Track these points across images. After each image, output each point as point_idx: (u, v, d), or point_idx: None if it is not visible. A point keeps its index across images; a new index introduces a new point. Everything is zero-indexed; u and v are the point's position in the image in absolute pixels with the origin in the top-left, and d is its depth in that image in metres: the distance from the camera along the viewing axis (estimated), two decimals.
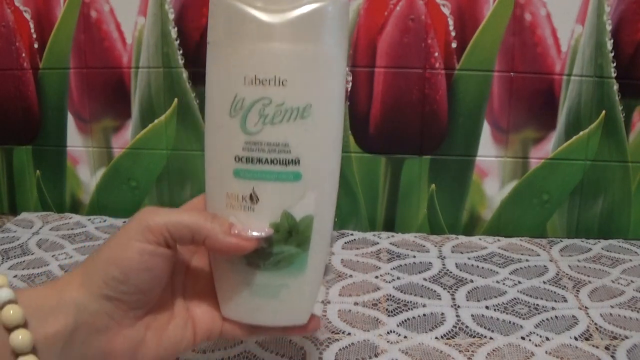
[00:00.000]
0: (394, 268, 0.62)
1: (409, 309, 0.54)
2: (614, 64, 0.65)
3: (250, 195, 0.35)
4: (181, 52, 0.70)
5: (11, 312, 0.30)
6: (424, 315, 0.53)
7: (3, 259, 0.63)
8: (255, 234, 0.34)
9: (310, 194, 0.35)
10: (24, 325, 0.31)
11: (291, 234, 0.36)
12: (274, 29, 0.33)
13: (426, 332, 0.51)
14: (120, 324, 0.33)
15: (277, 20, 0.33)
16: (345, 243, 0.69)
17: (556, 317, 0.53)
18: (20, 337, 0.30)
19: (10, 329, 0.30)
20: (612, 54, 0.65)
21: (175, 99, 0.71)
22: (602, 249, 0.67)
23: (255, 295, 0.36)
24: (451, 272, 0.61)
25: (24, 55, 0.73)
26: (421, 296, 0.57)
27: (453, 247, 0.68)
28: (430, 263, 0.64)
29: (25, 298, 0.31)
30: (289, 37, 0.33)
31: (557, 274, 0.61)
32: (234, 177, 0.35)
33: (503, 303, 0.55)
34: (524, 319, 0.52)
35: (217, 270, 0.37)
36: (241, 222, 0.35)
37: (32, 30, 0.72)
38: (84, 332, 0.32)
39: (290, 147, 0.34)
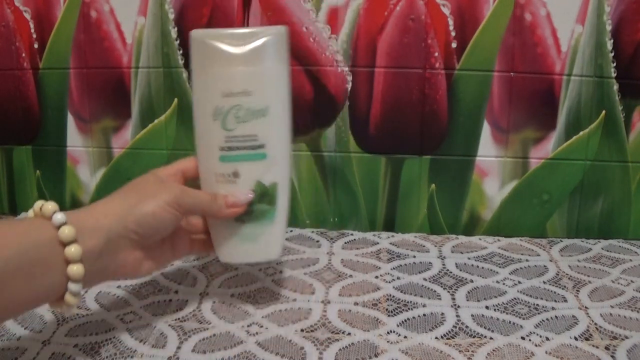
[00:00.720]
0: (394, 268, 0.62)
1: (409, 309, 0.54)
2: (614, 64, 0.65)
3: (234, 172, 0.50)
4: (181, 52, 0.69)
5: (66, 231, 0.40)
6: (424, 315, 0.53)
7: None
8: (244, 197, 0.50)
9: (274, 168, 0.50)
10: (75, 241, 0.40)
11: (263, 196, 0.50)
12: (239, 57, 0.48)
13: (426, 332, 0.51)
14: (133, 247, 0.46)
15: (240, 51, 0.48)
16: (345, 243, 0.69)
17: (556, 317, 0.53)
18: (73, 250, 0.40)
19: (65, 244, 0.40)
20: (612, 54, 0.65)
21: (175, 99, 0.71)
22: (602, 249, 0.67)
23: (242, 242, 0.51)
24: (451, 272, 0.61)
25: (24, 55, 0.73)
26: (421, 296, 0.57)
27: (453, 247, 0.68)
28: (430, 263, 0.64)
29: (74, 220, 0.41)
30: (249, 61, 0.48)
31: (557, 274, 0.61)
32: (220, 161, 0.50)
33: (503, 303, 0.55)
34: (524, 319, 0.52)
35: (212, 226, 0.52)
36: (228, 192, 0.50)
37: (32, 30, 0.72)
38: (109, 249, 0.43)
39: (257, 137, 0.49)
